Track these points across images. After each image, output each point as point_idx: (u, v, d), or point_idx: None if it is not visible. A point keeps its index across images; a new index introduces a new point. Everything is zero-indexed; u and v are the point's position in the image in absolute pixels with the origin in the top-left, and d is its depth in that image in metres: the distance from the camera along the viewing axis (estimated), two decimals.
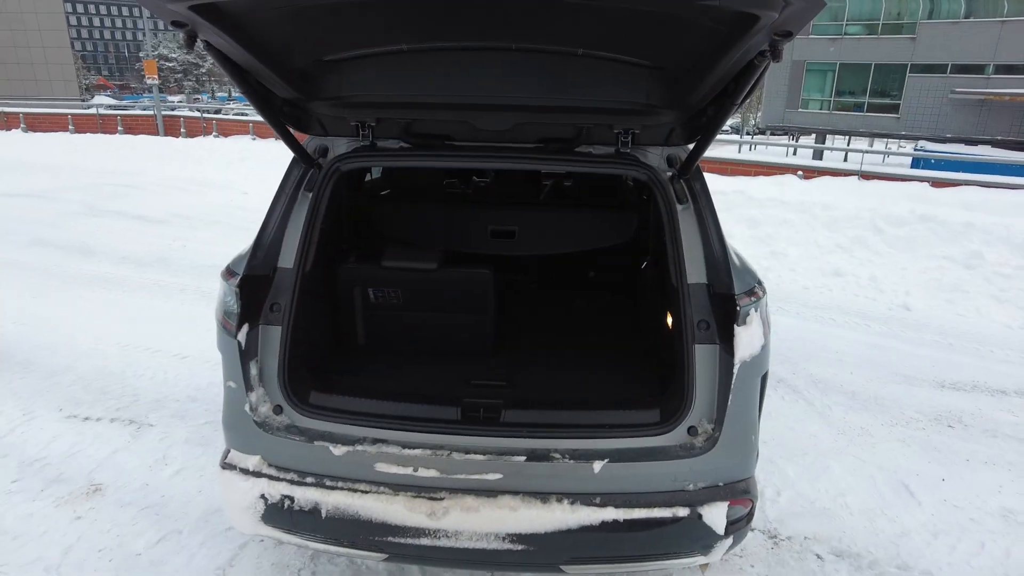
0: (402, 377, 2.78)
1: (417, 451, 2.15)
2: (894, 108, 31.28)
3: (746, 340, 2.13)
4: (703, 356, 2.23)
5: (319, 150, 2.54)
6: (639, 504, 2.10)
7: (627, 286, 4.19)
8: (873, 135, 30.87)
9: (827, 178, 10.10)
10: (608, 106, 2.21)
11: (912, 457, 3.75)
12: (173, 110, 23.47)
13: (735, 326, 2.14)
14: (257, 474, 2.24)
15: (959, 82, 29.46)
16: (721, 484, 2.20)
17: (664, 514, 2.10)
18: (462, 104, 2.27)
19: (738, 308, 2.14)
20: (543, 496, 2.10)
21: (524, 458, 2.12)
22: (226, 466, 2.29)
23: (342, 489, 2.15)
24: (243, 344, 2.27)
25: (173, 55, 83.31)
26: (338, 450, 2.16)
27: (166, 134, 19.97)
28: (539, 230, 3.69)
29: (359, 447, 2.17)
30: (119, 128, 20.16)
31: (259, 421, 2.27)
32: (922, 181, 9.39)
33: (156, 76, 20.18)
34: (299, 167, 2.49)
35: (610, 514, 2.07)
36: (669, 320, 2.60)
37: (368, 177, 4.13)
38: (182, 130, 20.22)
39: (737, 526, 2.21)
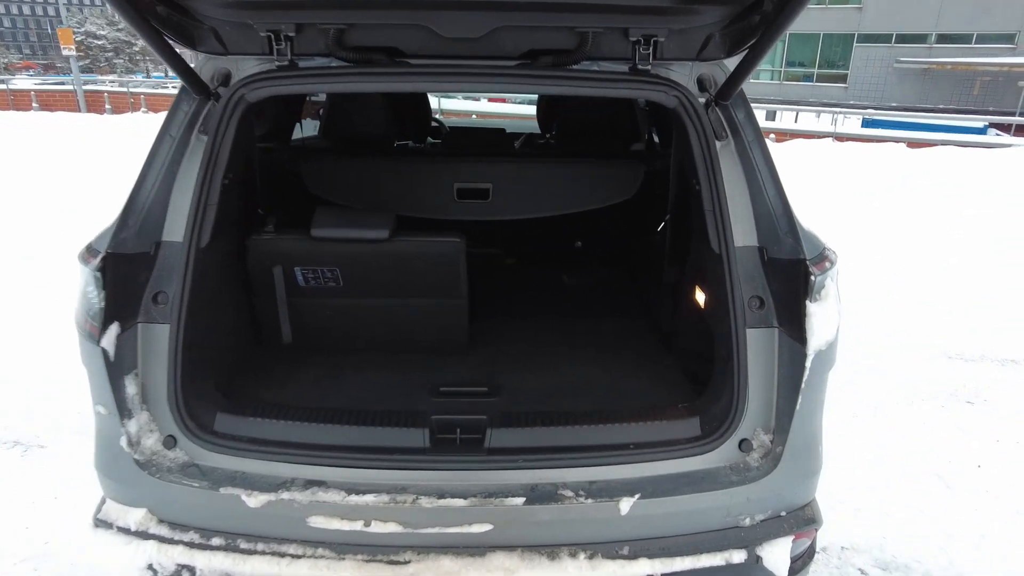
0: (344, 389, 2.15)
1: (369, 497, 1.54)
2: (842, 78, 31.58)
3: (821, 321, 1.58)
4: (757, 344, 1.69)
5: (218, 76, 1.83)
6: (681, 551, 1.57)
7: (634, 256, 3.45)
8: (822, 105, 31.25)
9: (800, 141, 9.76)
10: (623, 1, 1.59)
11: (940, 441, 3.34)
12: (97, 84, 21.66)
13: (807, 303, 1.59)
14: (142, 535, 1.60)
15: (903, 52, 29.92)
16: (784, 514, 1.68)
17: (714, 561, 1.58)
18: (417, 2, 1.62)
19: (812, 278, 1.59)
20: (550, 551, 1.54)
21: (522, 500, 1.54)
22: (99, 523, 1.64)
23: (263, 553, 1.55)
24: (112, 353, 1.61)
25: (102, 32, 78.23)
26: (256, 499, 1.54)
27: (89, 110, 18.40)
28: (519, 187, 2.96)
29: (286, 494, 1.56)
30: (34, 104, 18.47)
31: (143, 460, 1.63)
32: (897, 142, 9.14)
33: (72, 46, 18.49)
34: (189, 100, 1.79)
35: (643, 568, 1.53)
36: (700, 298, 2.05)
37: (299, 131, 3.39)
38: (107, 106, 18.68)
39: (800, 563, 1.70)
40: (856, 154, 8.56)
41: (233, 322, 2.22)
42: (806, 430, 1.68)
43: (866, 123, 17.65)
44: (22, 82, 23.64)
